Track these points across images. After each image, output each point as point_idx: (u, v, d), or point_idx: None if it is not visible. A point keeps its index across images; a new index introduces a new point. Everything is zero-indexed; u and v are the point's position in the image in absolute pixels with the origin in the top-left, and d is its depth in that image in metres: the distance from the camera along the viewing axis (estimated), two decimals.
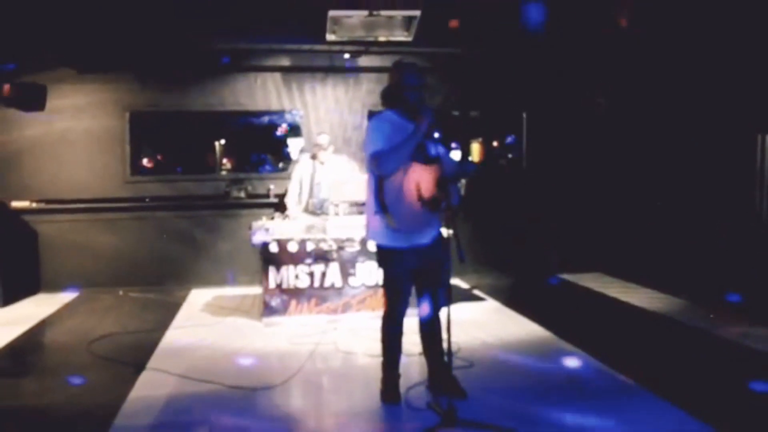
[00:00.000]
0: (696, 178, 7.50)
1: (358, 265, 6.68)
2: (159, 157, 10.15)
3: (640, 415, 4.10)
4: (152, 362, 5.29)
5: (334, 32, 6.73)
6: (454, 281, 7.70)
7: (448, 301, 4.27)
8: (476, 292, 7.96)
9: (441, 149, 4.29)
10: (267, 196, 8.45)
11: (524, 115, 9.24)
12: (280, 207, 7.88)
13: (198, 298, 7.77)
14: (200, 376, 4.90)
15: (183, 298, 7.75)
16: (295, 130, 8.75)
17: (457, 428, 3.86)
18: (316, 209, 7.40)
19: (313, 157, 7.51)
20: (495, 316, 6.80)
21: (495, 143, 11.31)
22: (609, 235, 8.95)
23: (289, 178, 7.77)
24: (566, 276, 8.87)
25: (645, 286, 8.04)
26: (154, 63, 8.13)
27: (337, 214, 6.82)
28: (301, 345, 5.75)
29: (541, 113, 9.21)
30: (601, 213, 9.05)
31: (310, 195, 7.47)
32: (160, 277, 8.32)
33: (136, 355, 5.45)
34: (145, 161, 9.86)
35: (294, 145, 9.83)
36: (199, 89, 8.43)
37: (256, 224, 6.77)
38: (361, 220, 6.70)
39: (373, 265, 6.66)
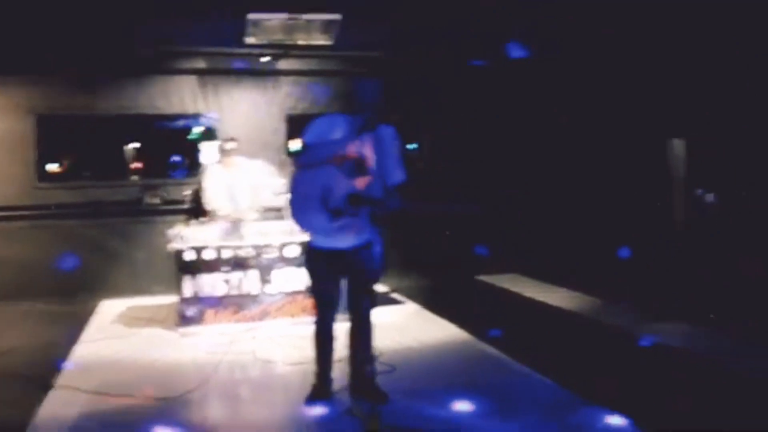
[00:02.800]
0: (609, 181, 7.75)
1: (276, 271, 6.58)
2: (65, 164, 9.69)
3: (562, 415, 4.19)
4: (61, 379, 5.04)
5: (253, 35, 6.62)
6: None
7: (371, 307, 4.30)
8: (395, 295, 7.98)
9: (388, 166, 4.15)
10: (182, 201, 8.21)
11: (435, 120, 9.30)
12: (197, 214, 7.63)
13: (110, 309, 7.48)
14: (113, 391, 4.71)
15: (93, 310, 7.45)
16: (209, 134, 8.54)
17: None
18: (233, 213, 7.21)
19: (223, 163, 7.30)
20: (415, 320, 6.83)
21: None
22: (525, 238, 9.14)
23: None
24: (484, 277, 9.01)
25: (560, 286, 8.25)
26: (64, 64, 7.77)
27: (256, 219, 6.71)
28: (218, 354, 5.61)
29: (453, 118, 9.30)
30: (516, 216, 9.23)
31: (226, 200, 7.28)
32: (69, 288, 7.93)
33: (44, 372, 5.17)
34: (53, 167, 9.43)
35: (207, 149, 9.57)
36: (112, 92, 8.14)
37: (171, 232, 6.58)
38: (279, 225, 6.67)
39: (291, 271, 6.59)
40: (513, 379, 4.94)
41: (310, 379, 4.55)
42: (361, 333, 4.43)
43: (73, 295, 7.89)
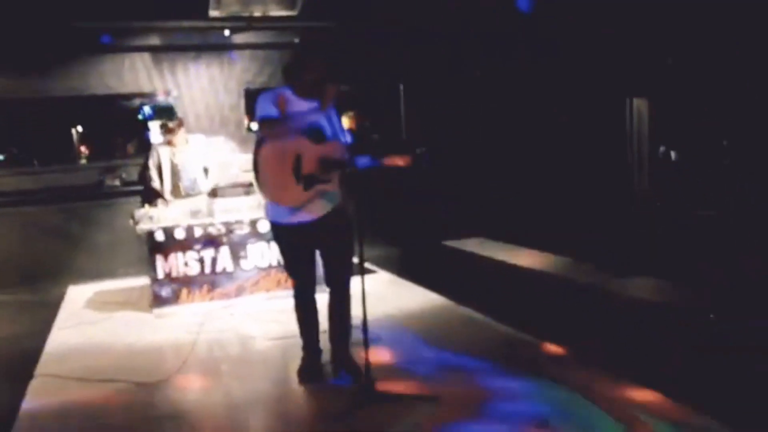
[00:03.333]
0: (572, 142, 7.89)
1: (249, 247, 6.54)
2: (11, 152, 9.37)
3: (552, 371, 4.31)
4: (40, 368, 4.94)
5: (217, 8, 6.46)
6: None
7: (349, 278, 4.29)
8: (366, 264, 7.99)
9: (339, 132, 4.21)
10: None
11: (401, 87, 9.32)
12: (146, 195, 7.49)
13: (77, 295, 7.30)
14: (95, 377, 4.64)
15: (61, 297, 7.27)
16: (166, 112, 8.35)
17: (377, 402, 3.90)
18: (189, 191, 7.13)
19: (168, 143, 7.21)
20: (391, 288, 6.88)
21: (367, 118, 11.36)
22: (489, 200, 9.24)
23: None
24: (450, 242, 9.12)
25: (527, 248, 8.40)
26: (9, 44, 7.47)
27: (223, 196, 6.62)
28: (198, 334, 5.56)
29: (418, 84, 9.31)
30: (479, 179, 9.32)
31: (177, 179, 7.17)
32: (33, 276, 7.75)
33: (21, 362, 5.07)
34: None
35: (155, 128, 9.38)
36: (61, 72, 7.86)
37: (139, 212, 6.46)
38: (248, 201, 6.61)
39: (264, 246, 6.56)
40: (498, 339, 5.05)
41: (295, 353, 4.54)
42: (340, 306, 4.36)
43: (37, 284, 7.70)
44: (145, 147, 9.49)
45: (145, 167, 7.21)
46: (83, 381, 4.61)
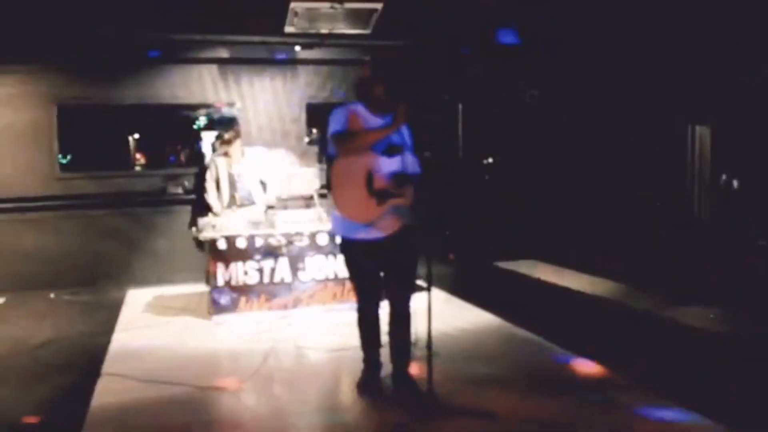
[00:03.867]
0: (631, 167, 7.83)
1: (307, 259, 6.63)
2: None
3: (607, 393, 4.29)
4: (107, 367, 5.08)
5: (293, 24, 6.62)
6: None
7: (410, 297, 4.33)
8: (419, 282, 8.01)
9: (407, 145, 4.29)
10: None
11: (460, 107, 9.38)
12: (198, 205, 7.67)
13: (137, 298, 7.48)
14: (161, 379, 4.76)
15: (120, 299, 7.45)
16: (227, 124, 8.55)
17: (438, 416, 3.93)
18: (245, 201, 7.29)
19: (225, 154, 7.39)
20: (446, 306, 6.88)
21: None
22: (541, 224, 9.20)
23: None
24: (502, 264, 9.10)
25: (580, 272, 8.32)
26: (85, 53, 7.75)
27: (286, 207, 6.75)
28: (259, 342, 5.65)
29: (476, 105, 9.35)
30: (534, 201, 9.30)
31: (234, 189, 7.34)
32: (93, 278, 7.99)
33: (86, 361, 5.24)
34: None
35: (208, 138, 9.61)
36: (132, 82, 8.10)
37: (202, 221, 6.63)
38: (309, 214, 6.73)
39: (322, 259, 6.65)
40: (554, 360, 5.05)
41: (354, 366, 4.59)
42: (402, 322, 4.40)
43: (96, 285, 7.94)
44: (196, 157, 9.77)
45: (203, 179, 7.41)
46: (150, 382, 4.72)
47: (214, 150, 7.31)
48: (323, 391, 4.65)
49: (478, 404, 4.17)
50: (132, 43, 7.76)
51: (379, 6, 6.40)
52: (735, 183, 6.74)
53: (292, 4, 6.28)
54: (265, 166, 7.52)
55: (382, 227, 4.13)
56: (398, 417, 4.01)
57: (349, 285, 6.65)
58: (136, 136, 10.09)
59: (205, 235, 6.39)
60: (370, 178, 4.05)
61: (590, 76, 8.32)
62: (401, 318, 4.39)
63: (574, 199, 8.90)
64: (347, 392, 4.51)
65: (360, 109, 4.21)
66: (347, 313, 6.36)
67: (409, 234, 4.24)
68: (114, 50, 7.81)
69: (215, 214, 7.09)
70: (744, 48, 6.28)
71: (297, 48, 7.89)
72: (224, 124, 8.58)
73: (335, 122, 4.09)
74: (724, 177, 6.82)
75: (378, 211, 4.07)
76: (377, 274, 4.41)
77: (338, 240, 4.41)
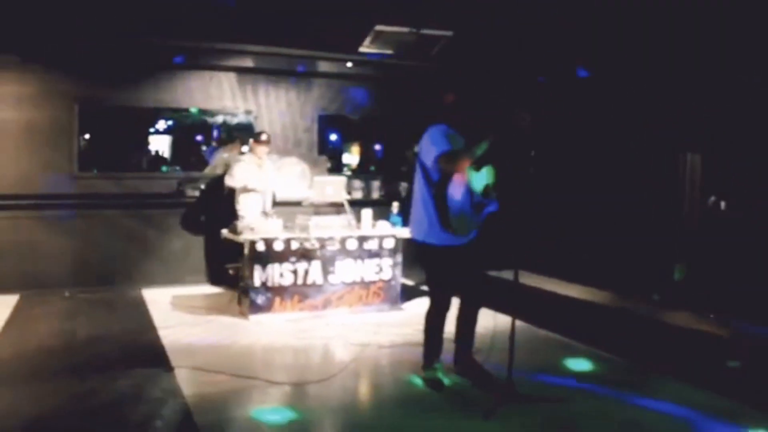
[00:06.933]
0: (623, 186, 8.47)
1: (337, 263, 6.98)
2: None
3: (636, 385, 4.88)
4: (176, 361, 5.27)
5: (371, 45, 6.99)
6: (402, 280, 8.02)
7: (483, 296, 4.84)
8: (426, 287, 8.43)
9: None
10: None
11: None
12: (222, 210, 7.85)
13: (157, 297, 7.57)
14: (238, 372, 5.01)
15: (139, 299, 7.57)
16: (243, 130, 8.80)
17: (516, 403, 4.43)
18: (268, 209, 7.57)
19: (256, 154, 7.55)
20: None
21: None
22: (525, 235, 9.64)
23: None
24: (490, 272, 9.58)
25: (569, 282, 8.95)
26: (109, 54, 7.84)
27: (318, 213, 7.09)
28: (311, 339, 6.01)
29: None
30: (525, 213, 9.76)
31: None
32: (107, 276, 8.05)
33: (149, 356, 5.43)
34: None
35: (222, 144, 9.82)
36: (150, 85, 8.24)
37: (241, 223, 6.89)
38: (340, 220, 7.09)
39: (351, 263, 7.01)
40: (583, 356, 5.68)
41: (410, 359, 5.21)
42: (471, 320, 5.00)
43: (112, 284, 8.00)
44: (204, 161, 9.94)
45: (229, 182, 7.55)
46: (229, 375, 4.95)
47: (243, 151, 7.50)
48: (394, 381, 5.06)
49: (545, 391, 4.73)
50: (154, 48, 7.89)
51: (449, 33, 6.80)
52: (722, 205, 7.50)
53: (378, 27, 6.63)
54: (277, 177, 7.83)
55: (467, 234, 4.77)
56: (480, 403, 4.46)
57: (373, 288, 7.12)
58: (156, 138, 10.06)
59: (245, 237, 6.64)
60: (469, 192, 4.57)
61: (594, 104, 8.90)
62: (471, 315, 5.01)
63: (576, 213, 9.39)
64: (416, 382, 4.90)
65: (449, 129, 4.67)
66: (374, 315, 6.99)
67: (478, 240, 4.86)
68: (139, 54, 7.92)
69: (241, 217, 7.28)
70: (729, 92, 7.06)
71: (349, 65, 8.22)
72: (242, 131, 8.80)
73: (440, 143, 4.53)
74: (712, 199, 7.57)
75: (474, 220, 4.60)
76: (454, 278, 4.87)
77: (427, 248, 4.79)
